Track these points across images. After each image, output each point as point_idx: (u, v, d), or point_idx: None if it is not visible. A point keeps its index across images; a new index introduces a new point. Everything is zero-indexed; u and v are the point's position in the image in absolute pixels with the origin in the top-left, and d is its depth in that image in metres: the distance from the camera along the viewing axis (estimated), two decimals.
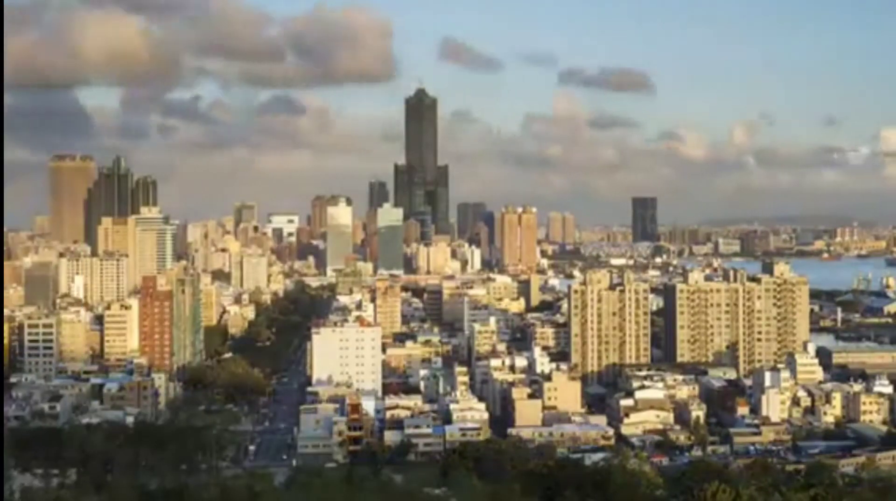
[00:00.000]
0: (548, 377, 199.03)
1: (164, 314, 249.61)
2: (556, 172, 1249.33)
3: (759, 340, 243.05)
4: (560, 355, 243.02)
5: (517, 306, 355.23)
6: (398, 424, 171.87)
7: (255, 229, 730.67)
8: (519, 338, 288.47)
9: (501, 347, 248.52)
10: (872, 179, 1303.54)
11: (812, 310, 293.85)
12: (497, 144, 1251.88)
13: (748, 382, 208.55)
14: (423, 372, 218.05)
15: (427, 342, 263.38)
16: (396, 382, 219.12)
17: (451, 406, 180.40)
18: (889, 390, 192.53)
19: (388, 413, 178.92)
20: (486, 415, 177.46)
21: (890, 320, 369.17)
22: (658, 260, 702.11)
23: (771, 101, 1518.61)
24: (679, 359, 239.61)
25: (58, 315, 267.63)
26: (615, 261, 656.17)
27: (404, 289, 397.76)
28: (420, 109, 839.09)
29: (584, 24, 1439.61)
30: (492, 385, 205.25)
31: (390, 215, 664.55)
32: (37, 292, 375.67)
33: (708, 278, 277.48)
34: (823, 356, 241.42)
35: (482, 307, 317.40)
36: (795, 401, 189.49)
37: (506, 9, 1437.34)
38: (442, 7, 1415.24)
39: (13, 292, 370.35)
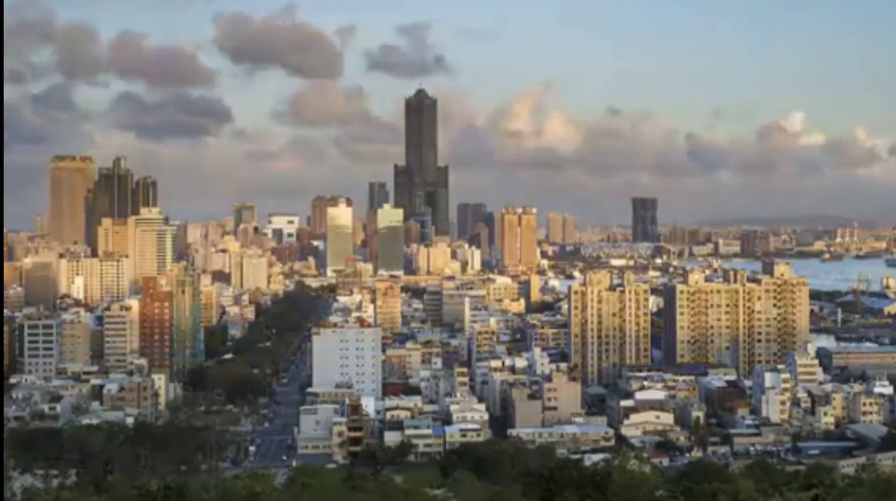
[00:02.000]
0: (548, 378, 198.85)
1: (164, 314, 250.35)
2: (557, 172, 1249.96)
3: (759, 340, 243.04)
4: (560, 355, 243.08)
5: (517, 306, 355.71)
6: (398, 425, 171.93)
7: (256, 229, 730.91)
8: (519, 339, 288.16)
9: (501, 347, 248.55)
10: (872, 179, 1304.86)
11: (812, 311, 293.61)
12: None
13: (748, 382, 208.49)
14: (423, 373, 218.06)
15: (427, 343, 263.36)
16: (396, 382, 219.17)
17: (452, 407, 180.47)
18: (889, 390, 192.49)
19: (388, 414, 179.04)
20: (486, 416, 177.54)
21: (890, 320, 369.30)
22: (658, 261, 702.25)
23: (773, 101, 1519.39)
24: (679, 360, 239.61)
25: (58, 316, 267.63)
26: (615, 261, 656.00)
27: (404, 290, 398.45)
28: (420, 110, 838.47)
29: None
30: (492, 386, 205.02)
31: (390, 215, 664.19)
32: (37, 293, 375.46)
33: (708, 279, 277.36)
34: (823, 356, 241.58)
35: (482, 308, 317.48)
36: (795, 402, 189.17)
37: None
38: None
39: (13, 293, 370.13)
